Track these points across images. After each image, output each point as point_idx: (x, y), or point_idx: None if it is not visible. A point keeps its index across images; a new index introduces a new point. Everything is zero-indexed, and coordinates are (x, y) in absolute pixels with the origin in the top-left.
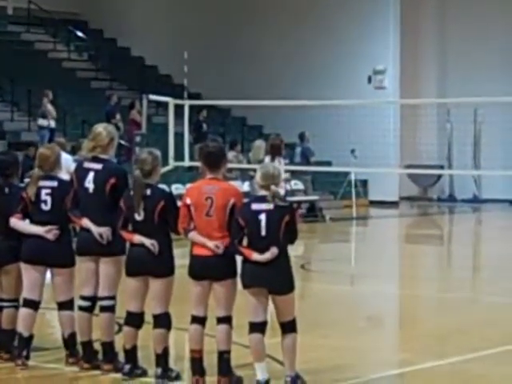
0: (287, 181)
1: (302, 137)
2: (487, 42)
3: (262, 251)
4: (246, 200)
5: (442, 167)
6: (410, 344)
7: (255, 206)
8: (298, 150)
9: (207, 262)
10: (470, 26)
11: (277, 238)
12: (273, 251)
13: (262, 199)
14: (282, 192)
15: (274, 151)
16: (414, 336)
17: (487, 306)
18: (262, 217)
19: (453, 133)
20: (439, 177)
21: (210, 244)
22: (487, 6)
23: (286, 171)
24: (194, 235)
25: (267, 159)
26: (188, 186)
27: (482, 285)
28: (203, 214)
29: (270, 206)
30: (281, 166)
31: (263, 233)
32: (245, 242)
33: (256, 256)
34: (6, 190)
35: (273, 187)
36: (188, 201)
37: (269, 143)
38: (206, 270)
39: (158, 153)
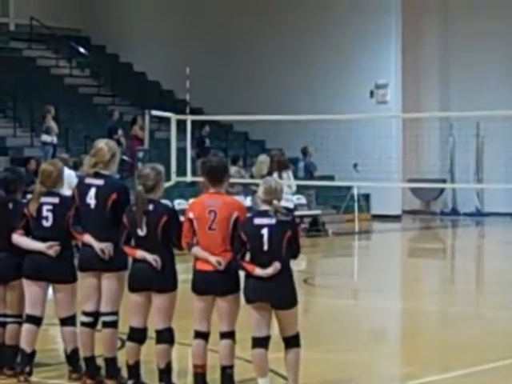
0: (294, 194)
1: (304, 151)
2: (489, 56)
3: (264, 266)
4: (248, 215)
5: (444, 181)
6: (413, 358)
7: (257, 221)
8: (301, 164)
9: (210, 277)
10: (472, 39)
11: (279, 252)
12: (275, 266)
13: (265, 214)
14: (290, 205)
15: (281, 166)
16: (417, 350)
17: (490, 320)
18: (265, 231)
19: (455, 146)
20: (442, 191)
21: (213, 260)
22: (489, 19)
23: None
24: (197, 250)
25: (275, 175)
26: (191, 200)
27: (484, 298)
28: (206, 228)
29: (273, 221)
30: (290, 179)
31: (265, 247)
32: (247, 256)
33: (258, 271)
34: (10, 205)
35: (275, 202)
36: (191, 215)
37: (274, 160)
38: (209, 285)
39: (161, 168)
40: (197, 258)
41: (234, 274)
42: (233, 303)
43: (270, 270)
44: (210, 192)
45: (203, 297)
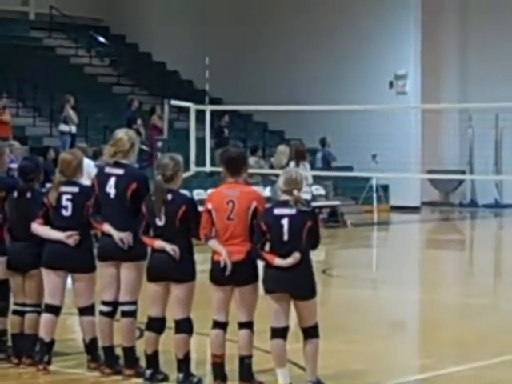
0: (311, 185)
1: (323, 142)
2: (509, 47)
3: (284, 256)
4: (268, 205)
5: (463, 172)
6: (431, 349)
7: (278, 211)
8: (319, 154)
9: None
10: (492, 30)
11: (299, 243)
12: (295, 256)
13: (285, 204)
14: (308, 196)
15: (299, 156)
16: (435, 341)
17: (509, 312)
18: (285, 222)
19: (474, 138)
20: (461, 182)
21: (223, 255)
22: (509, 9)
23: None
24: (213, 243)
25: (292, 164)
26: (210, 191)
27: (503, 290)
28: (224, 218)
29: (293, 211)
30: (306, 171)
31: (285, 238)
32: (267, 247)
33: (278, 261)
34: (28, 194)
35: (295, 192)
36: (209, 205)
37: (293, 149)
38: (228, 275)
39: (179, 158)
40: None
41: (252, 264)
42: (251, 293)
43: (289, 260)
44: (228, 182)
45: (221, 287)
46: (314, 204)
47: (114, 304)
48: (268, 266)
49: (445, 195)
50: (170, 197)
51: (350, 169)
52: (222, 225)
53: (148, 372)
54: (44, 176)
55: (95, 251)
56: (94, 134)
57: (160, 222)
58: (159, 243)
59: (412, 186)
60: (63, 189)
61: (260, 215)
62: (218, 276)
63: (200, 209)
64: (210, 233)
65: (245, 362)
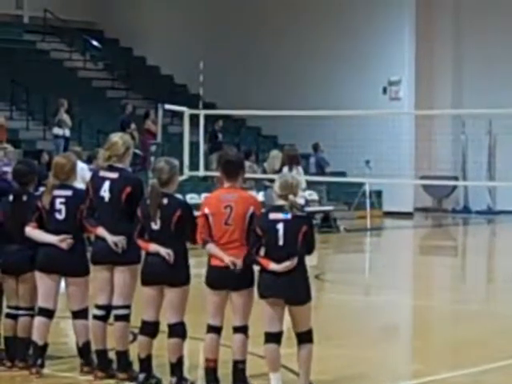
0: (304, 191)
1: (316, 147)
2: (503, 53)
3: (279, 261)
4: (263, 210)
5: (456, 178)
6: (424, 355)
7: (273, 216)
8: (313, 160)
9: (225, 272)
10: (486, 36)
11: (294, 247)
12: (291, 261)
13: (280, 209)
14: (301, 201)
15: (292, 161)
16: (428, 347)
17: (501, 318)
18: (280, 226)
19: (468, 144)
20: (454, 188)
21: (227, 259)
22: (503, 16)
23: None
24: (211, 247)
25: (285, 169)
26: (205, 195)
27: (496, 296)
28: (222, 223)
29: (288, 216)
30: (300, 176)
31: (280, 242)
32: (262, 251)
33: (273, 266)
34: (24, 197)
35: (291, 197)
36: (206, 210)
37: (285, 154)
38: (224, 279)
39: (175, 162)
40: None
41: (248, 268)
42: (247, 297)
43: (284, 265)
44: (224, 187)
45: (217, 291)
46: (307, 209)
47: (108, 308)
48: (263, 270)
49: (438, 201)
50: (165, 201)
51: (343, 174)
52: (219, 229)
53: (141, 376)
54: (37, 180)
55: (89, 255)
56: (87, 138)
57: (155, 226)
58: (154, 247)
59: (405, 191)
60: (57, 192)
61: (255, 220)
62: (214, 280)
63: (195, 213)
64: (207, 237)
65: (238, 367)
